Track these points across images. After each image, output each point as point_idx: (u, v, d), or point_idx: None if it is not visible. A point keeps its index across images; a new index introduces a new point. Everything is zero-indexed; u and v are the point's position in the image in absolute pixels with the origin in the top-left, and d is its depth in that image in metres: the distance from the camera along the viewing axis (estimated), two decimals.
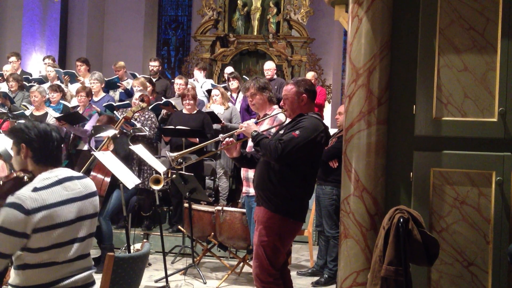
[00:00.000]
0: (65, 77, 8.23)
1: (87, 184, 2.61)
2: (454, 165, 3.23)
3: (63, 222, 2.41)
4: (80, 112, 6.91)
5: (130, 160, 5.91)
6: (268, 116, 4.22)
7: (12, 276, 2.45)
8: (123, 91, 8.01)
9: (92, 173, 5.41)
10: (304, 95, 3.63)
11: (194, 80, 8.68)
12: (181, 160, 4.52)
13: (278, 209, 3.48)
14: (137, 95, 6.64)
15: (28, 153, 2.51)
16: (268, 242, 3.49)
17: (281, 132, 3.66)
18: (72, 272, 2.47)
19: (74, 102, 7.80)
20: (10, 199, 2.34)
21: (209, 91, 7.99)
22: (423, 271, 3.23)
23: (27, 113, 7.07)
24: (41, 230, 2.34)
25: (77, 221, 2.49)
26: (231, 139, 3.72)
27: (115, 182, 5.03)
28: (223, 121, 7.00)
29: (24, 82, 8.35)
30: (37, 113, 7.02)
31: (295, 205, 3.52)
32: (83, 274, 2.51)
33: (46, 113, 6.94)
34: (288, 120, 3.70)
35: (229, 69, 9.06)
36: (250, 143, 4.18)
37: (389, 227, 2.88)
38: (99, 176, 5.36)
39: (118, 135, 5.65)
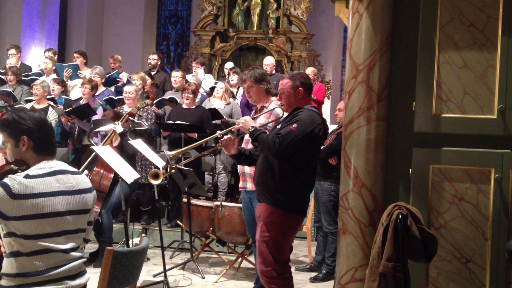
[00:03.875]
0: (67, 70, 8.19)
1: (81, 180, 2.62)
2: (453, 162, 3.23)
3: (50, 213, 2.43)
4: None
5: (134, 157, 5.90)
6: (264, 111, 4.19)
7: (5, 265, 2.46)
8: (121, 85, 8.00)
9: (95, 168, 5.41)
10: (300, 88, 3.61)
11: (193, 76, 8.67)
12: (181, 156, 4.51)
13: (279, 205, 3.48)
14: (130, 88, 6.58)
15: (30, 144, 2.52)
16: (271, 238, 3.49)
17: (279, 126, 3.65)
18: (64, 262, 2.49)
19: (72, 95, 7.78)
20: (3, 179, 2.40)
21: (212, 89, 7.98)
22: (421, 268, 3.23)
23: (28, 106, 7.05)
24: (27, 217, 2.37)
25: (67, 214, 2.50)
26: (228, 135, 3.70)
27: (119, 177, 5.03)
28: (224, 117, 6.98)
29: (23, 78, 8.33)
30: (38, 107, 7.00)
31: (296, 199, 3.52)
32: (75, 263, 2.53)
33: (47, 107, 6.93)
34: (286, 114, 3.69)
35: (229, 64, 9.05)
36: (246, 137, 4.16)
37: (387, 223, 2.89)
38: (103, 171, 5.36)
39: (126, 130, 5.65)
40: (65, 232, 2.50)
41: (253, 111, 4.52)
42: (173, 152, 3.79)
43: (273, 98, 4.38)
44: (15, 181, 2.38)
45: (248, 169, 4.29)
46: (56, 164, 2.56)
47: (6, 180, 2.39)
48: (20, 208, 2.35)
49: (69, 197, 2.52)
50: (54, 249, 2.44)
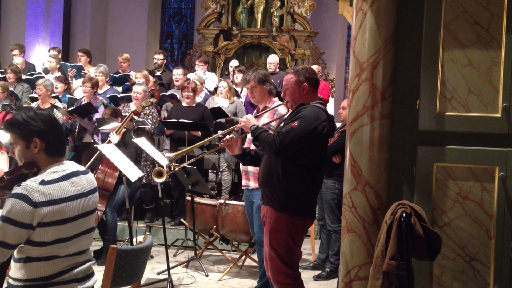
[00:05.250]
0: (72, 70, 8.21)
1: (91, 180, 2.60)
2: (457, 160, 3.23)
3: (69, 218, 2.40)
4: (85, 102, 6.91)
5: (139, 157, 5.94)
6: (267, 109, 4.13)
7: (13, 269, 2.43)
8: (130, 84, 8.02)
9: (101, 166, 5.42)
10: (305, 84, 3.51)
11: (196, 74, 8.67)
12: (185, 155, 4.50)
13: (285, 208, 3.37)
14: (138, 87, 6.60)
15: (42, 146, 2.44)
16: (280, 244, 3.39)
17: (282, 124, 3.56)
18: (73, 265, 2.47)
19: (77, 94, 7.80)
20: (16, 189, 2.31)
21: (216, 88, 7.98)
22: (425, 266, 3.23)
23: (33, 106, 7.07)
24: (46, 225, 2.32)
25: (81, 217, 2.48)
26: (231, 135, 3.61)
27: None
28: (229, 115, 6.98)
29: (28, 76, 8.35)
30: (42, 107, 7.01)
31: (302, 202, 3.40)
32: (83, 266, 2.52)
33: (53, 107, 6.95)
34: (290, 111, 3.58)
35: (234, 62, 9.05)
36: (249, 136, 4.12)
37: (391, 221, 2.88)
38: (108, 170, 5.38)
39: (130, 128, 5.66)
40: (79, 234, 2.47)
41: (255, 110, 4.50)
42: (172, 154, 3.76)
43: (275, 99, 4.37)
44: (32, 189, 2.30)
45: (251, 168, 4.27)
46: (68, 166, 2.50)
47: (21, 190, 2.30)
48: (41, 215, 2.30)
49: (83, 199, 2.49)
50: (64, 255, 2.42)
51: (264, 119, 4.18)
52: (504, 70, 3.17)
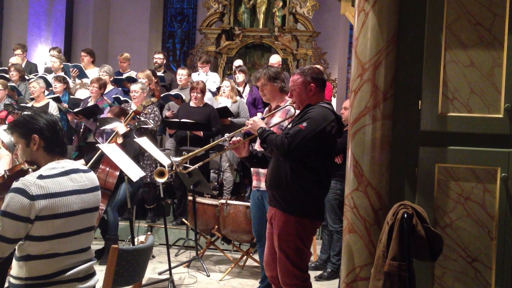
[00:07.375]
0: (74, 70, 8.21)
1: (92, 178, 2.64)
2: (459, 161, 3.22)
3: (66, 213, 2.43)
4: (92, 103, 6.91)
5: (139, 157, 5.93)
6: (277, 109, 4.06)
7: (15, 268, 2.46)
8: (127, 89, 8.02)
9: (101, 166, 5.42)
10: (312, 84, 3.48)
11: (199, 75, 8.68)
12: (187, 165, 4.48)
13: (293, 210, 3.35)
14: (135, 86, 6.58)
15: (41, 143, 2.50)
16: (289, 246, 3.37)
17: (289, 125, 3.53)
18: (74, 264, 2.49)
19: (78, 95, 7.80)
20: (15, 184, 2.37)
21: (218, 88, 7.99)
22: (427, 267, 3.22)
23: (29, 105, 7.09)
24: (43, 218, 2.36)
25: (81, 213, 2.51)
26: (237, 138, 3.58)
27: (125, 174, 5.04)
28: (233, 115, 6.98)
29: (32, 76, 8.36)
30: (37, 105, 7.01)
31: (311, 203, 3.38)
32: (84, 266, 2.53)
33: (47, 104, 6.95)
34: (298, 112, 3.54)
35: (238, 62, 9.05)
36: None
37: (393, 222, 2.88)
38: (109, 169, 5.38)
39: (132, 128, 5.65)
40: (79, 231, 2.50)
41: (266, 109, 4.43)
42: (179, 159, 3.73)
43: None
44: (30, 182, 2.36)
45: (262, 169, 4.20)
46: (67, 164, 2.55)
47: (18, 185, 2.36)
48: (38, 208, 2.34)
49: (83, 195, 2.53)
50: (64, 252, 2.44)
51: (276, 118, 4.10)
52: (506, 71, 3.16)
